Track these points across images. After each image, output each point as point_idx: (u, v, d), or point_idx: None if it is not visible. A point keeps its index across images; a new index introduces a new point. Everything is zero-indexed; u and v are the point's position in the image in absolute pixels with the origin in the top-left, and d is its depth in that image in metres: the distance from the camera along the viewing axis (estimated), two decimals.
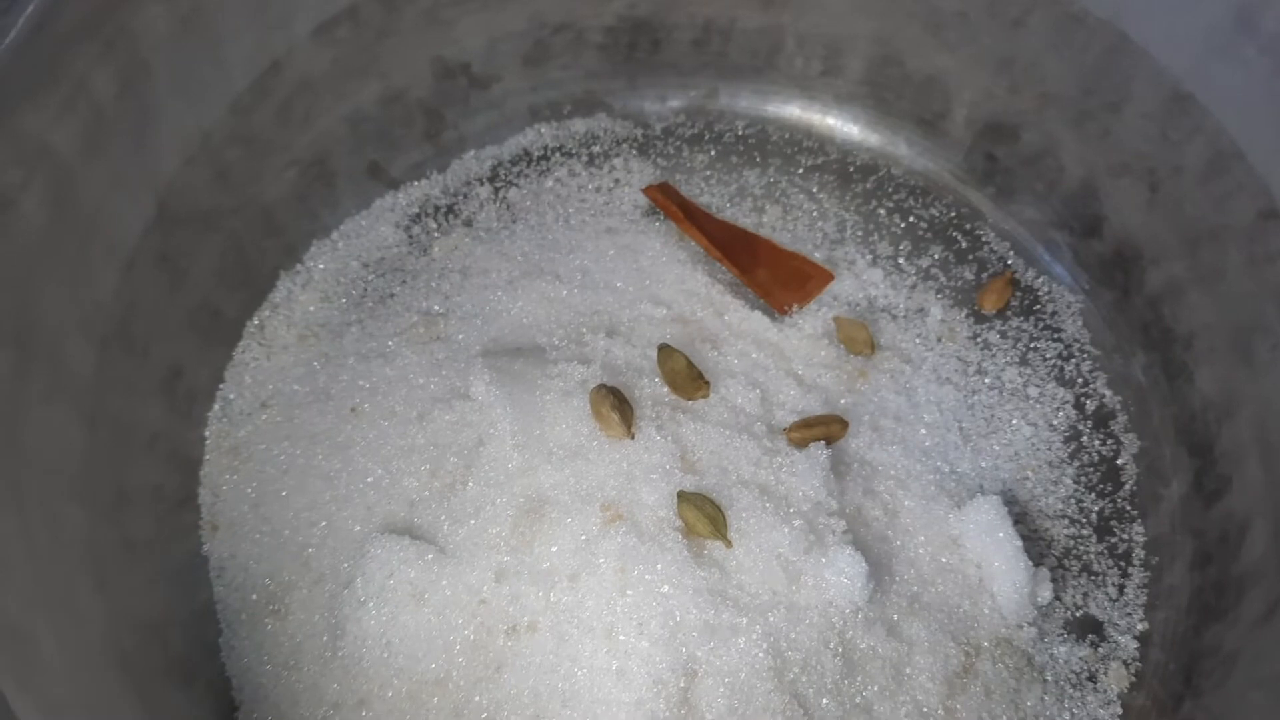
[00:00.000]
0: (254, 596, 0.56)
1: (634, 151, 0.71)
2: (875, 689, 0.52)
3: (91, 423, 0.49)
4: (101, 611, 0.46)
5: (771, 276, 0.65)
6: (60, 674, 0.38)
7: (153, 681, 0.47)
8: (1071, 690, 0.55)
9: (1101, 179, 0.63)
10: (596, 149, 0.71)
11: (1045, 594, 0.56)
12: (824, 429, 0.57)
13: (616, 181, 0.70)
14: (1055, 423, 0.62)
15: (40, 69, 0.44)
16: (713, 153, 0.71)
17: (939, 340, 0.64)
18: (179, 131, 0.54)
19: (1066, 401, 0.63)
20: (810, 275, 0.65)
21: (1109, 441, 0.62)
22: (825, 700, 0.51)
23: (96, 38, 0.47)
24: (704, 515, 0.52)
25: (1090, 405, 0.63)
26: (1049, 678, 0.55)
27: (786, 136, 0.72)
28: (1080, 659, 0.56)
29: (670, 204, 0.65)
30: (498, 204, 0.68)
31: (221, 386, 0.61)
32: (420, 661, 0.52)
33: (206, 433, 0.60)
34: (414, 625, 0.52)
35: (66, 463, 0.47)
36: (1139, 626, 0.57)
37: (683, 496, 0.53)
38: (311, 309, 0.64)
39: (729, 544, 0.52)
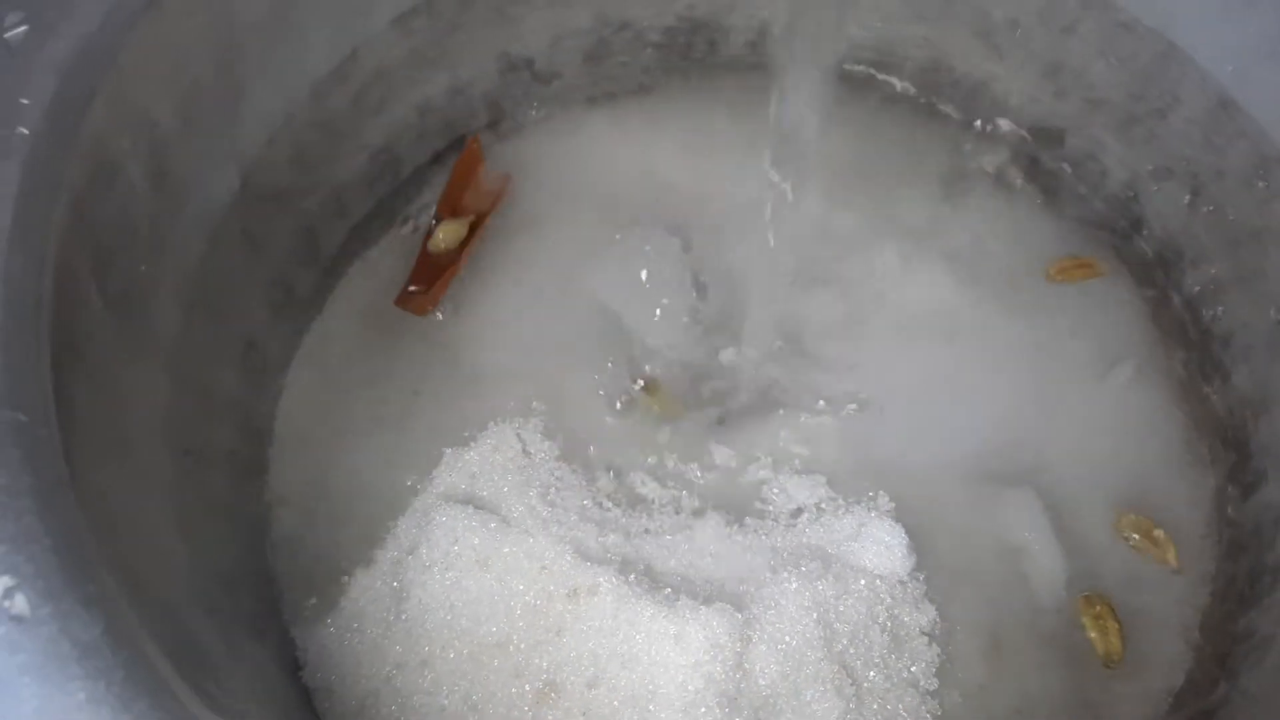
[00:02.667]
0: (317, 563, 0.58)
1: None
2: (921, 665, 0.54)
3: (176, 384, 0.51)
4: (187, 561, 0.48)
5: None
6: (166, 613, 0.40)
7: (233, 630, 0.49)
8: (1105, 671, 0.57)
9: (1144, 182, 0.65)
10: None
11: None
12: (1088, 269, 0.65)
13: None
14: None
15: (148, 44, 0.47)
16: None
17: None
18: (264, 112, 0.57)
19: None
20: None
21: None
22: (873, 673, 0.53)
23: (199, 17, 0.49)
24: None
25: None
26: (1084, 662, 0.57)
27: None
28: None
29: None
30: (553, 191, 0.70)
31: (290, 363, 0.63)
32: (482, 624, 0.54)
33: (274, 405, 0.62)
34: (476, 589, 0.54)
35: (156, 419, 0.49)
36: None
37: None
38: (374, 292, 0.66)
39: None
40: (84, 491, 0.37)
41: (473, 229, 0.66)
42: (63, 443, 0.37)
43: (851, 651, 0.53)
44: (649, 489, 0.59)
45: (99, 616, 0.32)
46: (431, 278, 0.65)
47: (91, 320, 0.43)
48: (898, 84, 0.72)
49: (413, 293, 0.64)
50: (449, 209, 0.67)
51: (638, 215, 0.67)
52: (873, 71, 0.72)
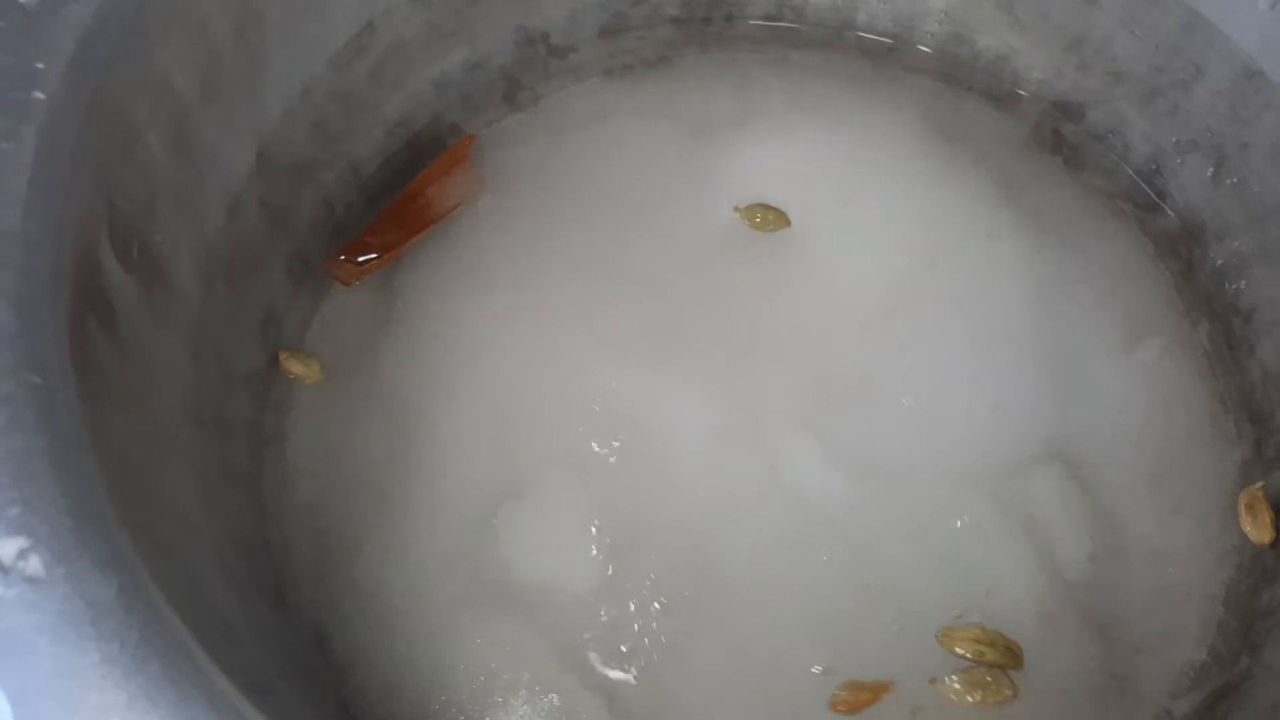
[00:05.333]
0: (335, 534, 0.58)
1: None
2: None
3: (197, 353, 0.52)
4: (208, 527, 0.48)
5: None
6: (184, 576, 0.41)
7: (253, 599, 0.49)
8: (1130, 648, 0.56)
9: (1167, 156, 0.65)
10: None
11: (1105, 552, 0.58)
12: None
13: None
14: None
15: (167, 10, 0.47)
16: None
17: None
18: (283, 83, 0.57)
19: None
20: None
21: None
22: None
23: None
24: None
25: None
26: (1110, 636, 0.56)
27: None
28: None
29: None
30: (570, 161, 0.70)
31: (309, 336, 0.63)
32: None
33: (294, 378, 0.62)
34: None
35: (178, 386, 0.49)
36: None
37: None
38: (390, 265, 0.66)
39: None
40: (104, 455, 0.37)
41: (424, 224, 0.65)
42: (83, 407, 0.37)
43: None
44: None
45: (113, 578, 0.32)
46: (366, 252, 0.64)
47: (111, 287, 0.44)
48: (918, 58, 0.72)
49: (343, 260, 0.64)
50: (409, 197, 0.66)
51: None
52: (893, 45, 0.72)
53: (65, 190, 0.40)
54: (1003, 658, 0.53)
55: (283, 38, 0.54)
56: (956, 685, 0.53)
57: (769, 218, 0.64)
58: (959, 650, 0.54)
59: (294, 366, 0.61)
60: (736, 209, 0.64)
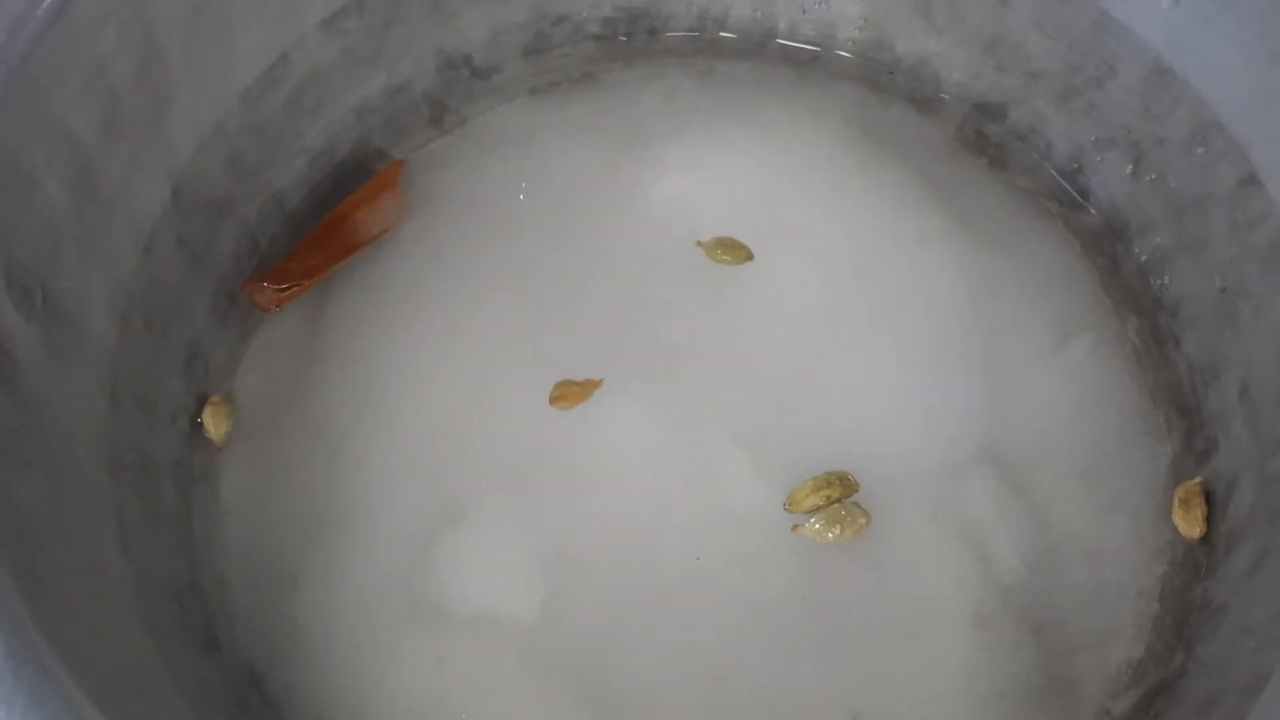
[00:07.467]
0: (270, 570, 0.57)
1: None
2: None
3: (113, 395, 0.51)
4: (126, 576, 0.47)
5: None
6: (90, 633, 0.40)
7: (177, 645, 0.49)
8: (1068, 648, 0.57)
9: (1087, 154, 0.65)
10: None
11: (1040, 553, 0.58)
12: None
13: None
14: None
15: (62, 52, 0.46)
16: None
17: None
18: (193, 118, 0.56)
19: None
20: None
21: None
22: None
23: (115, 22, 0.49)
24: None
25: None
26: (1047, 637, 0.56)
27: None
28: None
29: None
30: (499, 182, 0.69)
31: (239, 371, 0.63)
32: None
33: (225, 414, 0.61)
34: None
35: (93, 432, 0.49)
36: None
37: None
38: (321, 296, 0.66)
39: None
40: None
41: (348, 250, 0.65)
42: None
43: None
44: None
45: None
46: (288, 278, 0.63)
47: (10, 335, 0.43)
48: (842, 65, 0.72)
49: (264, 286, 0.63)
50: (334, 222, 0.65)
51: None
52: (816, 53, 0.72)
53: None
54: (844, 489, 0.56)
55: (188, 74, 0.54)
56: (817, 526, 0.55)
57: (735, 253, 0.64)
58: (808, 505, 0.56)
59: (211, 424, 0.60)
60: (699, 243, 0.64)
